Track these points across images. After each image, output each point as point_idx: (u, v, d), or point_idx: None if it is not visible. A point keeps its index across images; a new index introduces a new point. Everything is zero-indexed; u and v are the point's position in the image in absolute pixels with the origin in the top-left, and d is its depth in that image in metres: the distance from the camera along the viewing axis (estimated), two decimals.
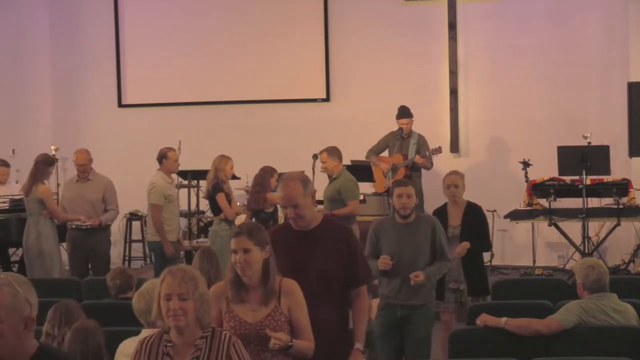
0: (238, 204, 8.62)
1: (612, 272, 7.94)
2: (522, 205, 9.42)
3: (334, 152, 8.26)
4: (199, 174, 9.94)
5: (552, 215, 9.15)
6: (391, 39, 11.24)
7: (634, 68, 9.85)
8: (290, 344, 3.74)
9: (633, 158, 9.53)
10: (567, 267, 9.91)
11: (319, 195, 8.92)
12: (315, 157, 8.84)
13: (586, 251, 9.02)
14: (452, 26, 10.96)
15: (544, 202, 9.23)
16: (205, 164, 8.66)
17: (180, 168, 8.81)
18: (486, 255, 9.12)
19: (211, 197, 8.23)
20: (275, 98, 11.57)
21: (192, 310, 3.26)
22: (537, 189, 9.24)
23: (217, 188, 8.14)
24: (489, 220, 7.20)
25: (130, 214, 11.10)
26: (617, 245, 10.00)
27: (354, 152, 9.60)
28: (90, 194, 8.31)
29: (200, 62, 11.67)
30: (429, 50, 11.13)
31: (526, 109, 10.81)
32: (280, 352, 3.76)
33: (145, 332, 4.01)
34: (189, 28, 11.74)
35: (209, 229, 8.86)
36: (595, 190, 9.14)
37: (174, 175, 8.71)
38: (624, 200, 9.01)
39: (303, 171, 6.08)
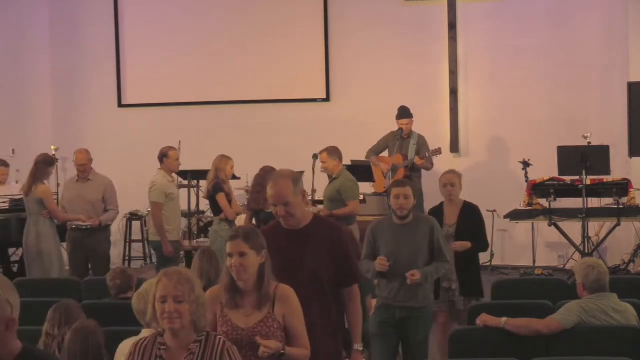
0: (238, 204, 8.62)
1: (612, 272, 7.94)
2: (522, 205, 9.41)
3: (334, 152, 8.25)
4: (199, 174, 9.93)
5: (552, 215, 9.15)
6: (391, 39, 11.24)
7: (634, 68, 9.85)
8: (283, 352, 3.65)
9: (633, 158, 9.53)
10: (567, 267, 9.91)
11: (319, 195, 8.95)
12: (315, 157, 8.84)
13: (586, 251, 9.02)
14: (452, 26, 10.96)
15: (544, 202, 9.23)
16: (205, 164, 8.65)
17: (181, 168, 8.79)
18: (486, 255, 9.19)
19: (211, 197, 8.22)
20: (275, 98, 11.56)
21: (187, 313, 3.23)
22: (537, 189, 9.23)
23: (217, 188, 8.13)
24: (489, 221, 7.21)
25: (131, 214, 11.11)
26: (617, 245, 10.00)
27: (354, 152, 9.60)
28: (90, 194, 8.30)
29: (200, 62, 11.66)
30: (429, 50, 11.12)
31: (526, 109, 10.80)
32: None
33: (145, 333, 4.00)
34: (189, 28, 11.74)
35: (209, 229, 8.86)
36: (595, 190, 9.14)
37: (174, 175, 8.71)
38: (624, 200, 9.01)
39: (304, 171, 6.06)
